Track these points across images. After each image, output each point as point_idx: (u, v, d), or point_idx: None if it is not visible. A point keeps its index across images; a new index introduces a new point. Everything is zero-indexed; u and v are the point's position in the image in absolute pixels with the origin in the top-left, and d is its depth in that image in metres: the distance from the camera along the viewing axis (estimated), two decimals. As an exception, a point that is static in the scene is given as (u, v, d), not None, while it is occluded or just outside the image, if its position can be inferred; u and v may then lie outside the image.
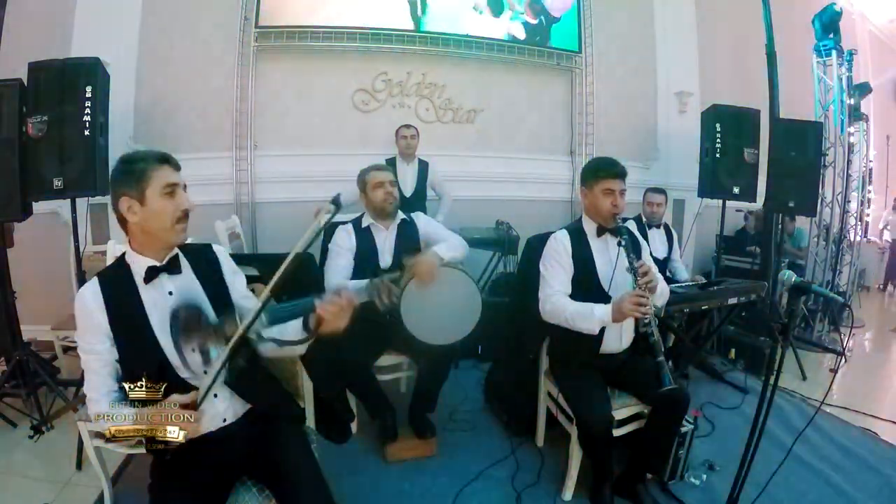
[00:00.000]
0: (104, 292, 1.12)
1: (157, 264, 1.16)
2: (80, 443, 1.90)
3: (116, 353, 1.11)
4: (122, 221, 1.15)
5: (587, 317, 1.68)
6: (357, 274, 2.05)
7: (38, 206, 2.41)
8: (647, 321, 1.61)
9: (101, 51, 2.57)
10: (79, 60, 2.40)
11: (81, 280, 2.44)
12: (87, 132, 2.30)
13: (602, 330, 1.74)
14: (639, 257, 1.74)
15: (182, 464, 1.15)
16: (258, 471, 1.24)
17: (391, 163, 3.21)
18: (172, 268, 1.18)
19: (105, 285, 1.13)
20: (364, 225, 2.15)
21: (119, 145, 2.78)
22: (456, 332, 1.95)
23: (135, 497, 1.78)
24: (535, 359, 2.10)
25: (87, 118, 2.30)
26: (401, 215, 2.19)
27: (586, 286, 1.78)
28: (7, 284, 2.45)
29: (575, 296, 1.77)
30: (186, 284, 1.20)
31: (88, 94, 2.30)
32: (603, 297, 1.74)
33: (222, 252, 1.32)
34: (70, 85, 2.29)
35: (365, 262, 2.08)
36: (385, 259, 2.12)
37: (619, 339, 1.82)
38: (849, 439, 2.29)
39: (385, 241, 2.14)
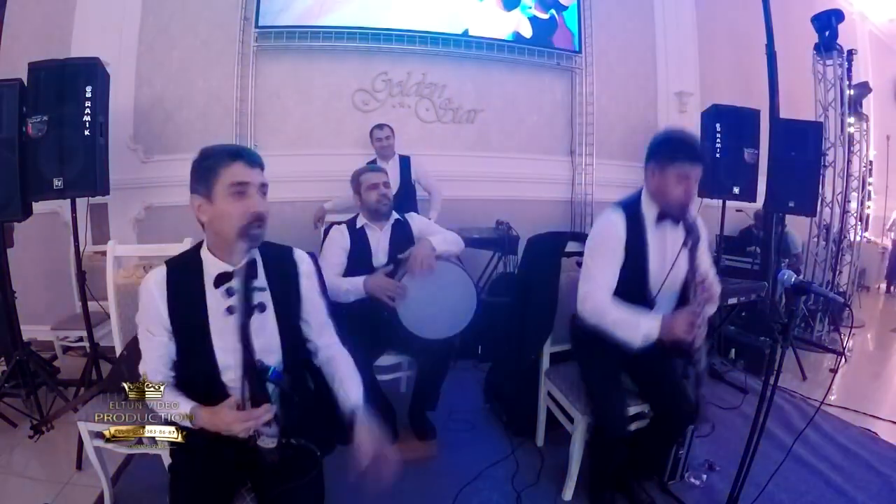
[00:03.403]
0: (169, 284, 1.08)
1: (231, 269, 1.08)
2: (80, 443, 1.90)
3: (173, 348, 1.09)
4: (199, 221, 1.09)
5: (632, 328, 1.47)
6: (352, 274, 2.06)
7: (38, 206, 2.42)
8: (696, 346, 1.41)
9: (101, 51, 2.58)
10: (79, 60, 2.40)
11: (82, 280, 2.44)
12: (87, 132, 2.30)
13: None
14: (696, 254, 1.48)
15: (200, 448, 1.11)
16: (259, 486, 1.19)
17: (373, 163, 3.20)
18: (249, 273, 1.05)
19: (171, 277, 1.08)
20: (358, 226, 2.16)
21: (119, 145, 2.79)
22: (452, 326, 1.95)
23: (135, 497, 1.79)
24: (536, 359, 2.10)
25: (87, 118, 2.30)
26: (395, 216, 2.19)
27: (632, 282, 1.56)
28: (7, 284, 2.45)
29: (617, 290, 1.55)
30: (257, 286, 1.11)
31: (88, 94, 2.31)
32: (646, 297, 1.56)
33: (305, 261, 1.21)
34: (70, 85, 2.29)
35: (359, 262, 2.09)
36: (379, 259, 2.12)
37: None
38: (849, 439, 2.28)
39: (379, 241, 2.14)
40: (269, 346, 1.12)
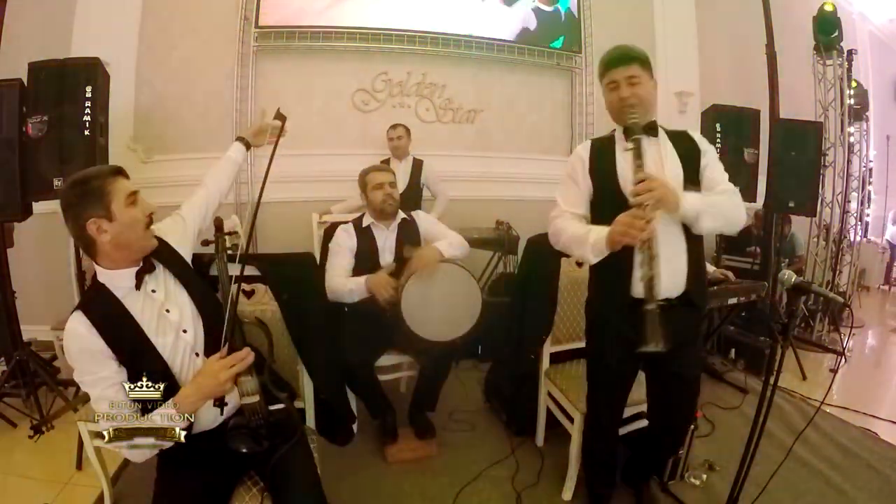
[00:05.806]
0: (93, 320, 1.09)
1: (138, 268, 1.16)
2: (80, 443, 1.90)
3: (125, 374, 1.10)
4: (90, 245, 1.12)
5: (582, 241, 1.36)
6: (358, 273, 2.05)
7: (38, 206, 2.41)
8: (643, 251, 1.27)
9: (101, 51, 2.58)
10: (79, 60, 2.40)
11: (82, 280, 2.44)
12: (87, 132, 2.30)
13: (628, 270, 1.38)
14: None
15: (186, 459, 1.15)
16: (259, 467, 1.26)
17: (386, 163, 3.22)
18: (149, 267, 1.18)
19: (91, 313, 1.10)
20: (364, 224, 2.16)
21: (119, 145, 2.79)
22: (456, 328, 1.95)
23: (135, 497, 1.78)
24: (535, 359, 2.10)
25: (87, 118, 2.30)
26: (401, 214, 2.20)
27: (607, 204, 1.41)
28: (7, 284, 2.46)
29: (597, 217, 1.44)
30: (162, 278, 1.21)
31: (88, 94, 2.31)
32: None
33: (160, 229, 1.28)
34: (70, 85, 2.30)
35: (366, 261, 2.09)
36: (386, 257, 2.13)
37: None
38: (849, 439, 2.28)
39: (386, 240, 2.15)
40: (191, 316, 1.21)
